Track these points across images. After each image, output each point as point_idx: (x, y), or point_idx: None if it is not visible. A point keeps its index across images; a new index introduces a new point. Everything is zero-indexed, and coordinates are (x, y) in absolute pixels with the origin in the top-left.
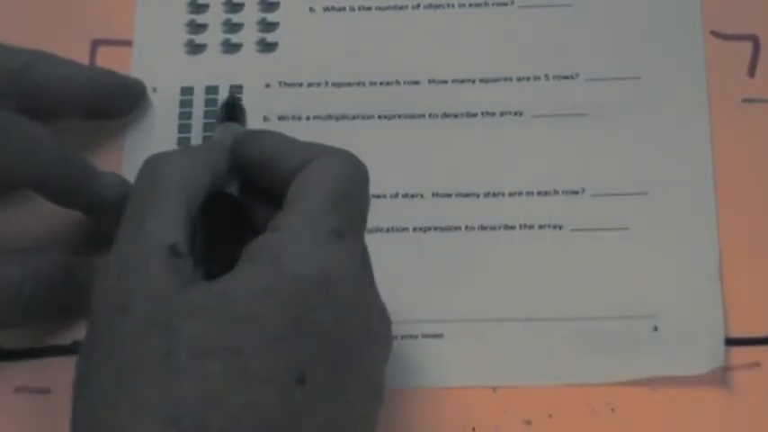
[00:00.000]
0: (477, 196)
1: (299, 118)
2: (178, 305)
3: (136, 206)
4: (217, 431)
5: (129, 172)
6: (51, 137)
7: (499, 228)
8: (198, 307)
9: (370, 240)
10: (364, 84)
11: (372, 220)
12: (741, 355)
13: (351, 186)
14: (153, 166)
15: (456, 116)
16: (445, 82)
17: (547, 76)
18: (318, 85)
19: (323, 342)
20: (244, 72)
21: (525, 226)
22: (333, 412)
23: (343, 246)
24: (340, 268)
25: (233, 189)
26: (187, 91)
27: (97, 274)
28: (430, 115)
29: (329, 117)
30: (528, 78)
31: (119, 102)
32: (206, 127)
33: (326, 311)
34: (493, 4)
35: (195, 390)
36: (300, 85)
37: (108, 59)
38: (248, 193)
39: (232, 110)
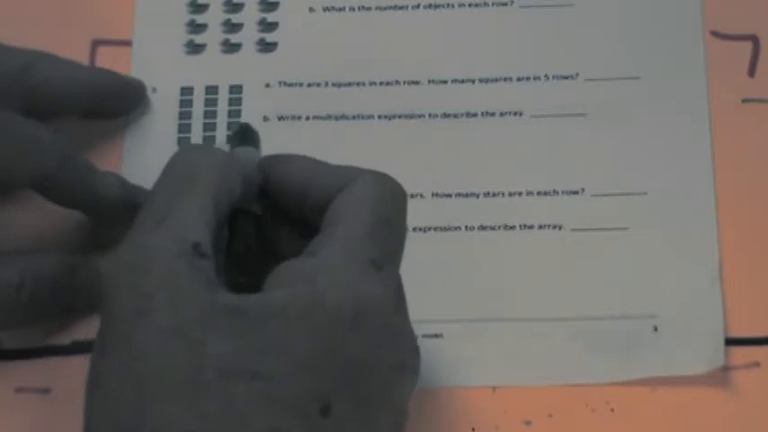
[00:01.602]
0: (477, 196)
1: (299, 118)
2: (207, 317)
3: (162, 194)
4: None
5: (129, 172)
6: (52, 136)
7: (499, 228)
8: (230, 325)
9: None
10: (364, 84)
11: None
12: (741, 355)
13: (390, 213)
14: (188, 158)
15: (456, 116)
16: (445, 82)
17: (547, 76)
18: (318, 85)
19: (352, 374)
20: (244, 72)
21: (525, 226)
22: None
23: (380, 277)
24: (376, 300)
25: (256, 209)
26: (187, 91)
27: (106, 261)
28: (430, 115)
29: (329, 117)
30: (528, 78)
31: (119, 102)
32: (206, 127)
33: (358, 343)
34: (493, 4)
35: (221, 410)
36: (300, 85)
37: (108, 59)
38: (272, 216)
39: (245, 134)
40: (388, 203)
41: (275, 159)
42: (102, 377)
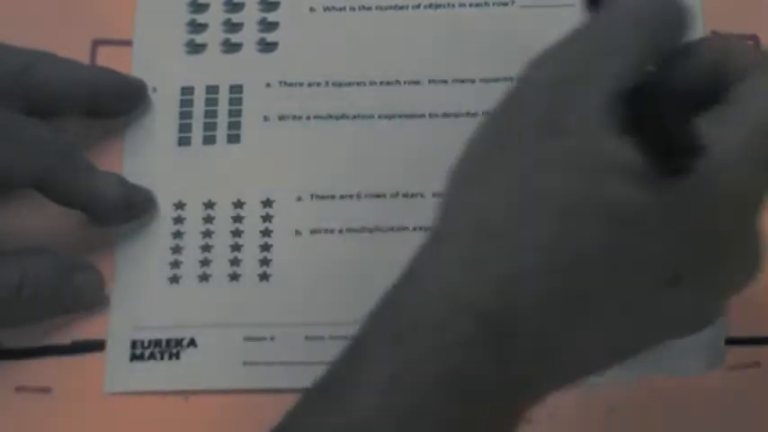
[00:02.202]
0: None
1: (299, 118)
2: (602, 158)
3: (581, 36)
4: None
5: (129, 172)
6: (52, 136)
7: None
8: (619, 165)
9: (371, 240)
10: (364, 84)
11: (372, 219)
12: (741, 354)
13: None
14: (608, 13)
15: (456, 116)
16: (445, 82)
17: None
18: (318, 85)
19: (703, 249)
20: (244, 72)
21: None
22: (697, 300)
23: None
24: (754, 192)
25: None
26: (187, 91)
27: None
28: (430, 115)
29: (329, 117)
30: None
31: (119, 101)
32: (206, 127)
33: (721, 223)
34: (493, 4)
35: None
36: (300, 84)
37: (108, 59)
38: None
39: None
40: None
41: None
42: (483, 169)
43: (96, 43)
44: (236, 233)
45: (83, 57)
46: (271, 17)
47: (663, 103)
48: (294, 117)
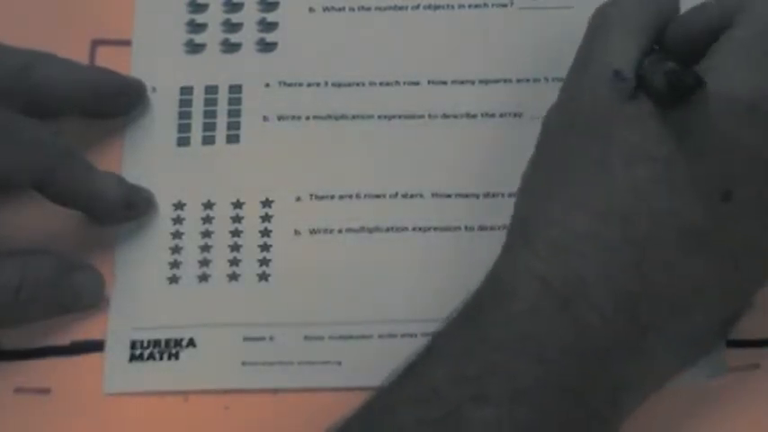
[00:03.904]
0: (477, 197)
1: (299, 118)
2: (616, 117)
3: (584, 43)
4: (641, 229)
5: (129, 172)
6: (52, 136)
7: (499, 228)
8: (632, 117)
9: (370, 240)
10: (364, 84)
11: (372, 219)
12: (741, 356)
13: None
14: (602, 9)
15: (456, 117)
16: (445, 83)
17: (546, 78)
18: (318, 85)
19: (750, 162)
20: (243, 72)
21: None
22: (754, 230)
23: None
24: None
25: None
26: (187, 91)
27: (551, 108)
28: (430, 115)
29: (329, 117)
30: (528, 80)
31: (118, 101)
32: (205, 127)
33: (755, 134)
34: (493, 5)
35: (624, 191)
36: (300, 85)
37: (108, 59)
38: None
39: None
40: None
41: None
42: (531, 180)
43: (95, 43)
44: (236, 233)
45: (82, 57)
46: (270, 17)
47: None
48: (293, 117)
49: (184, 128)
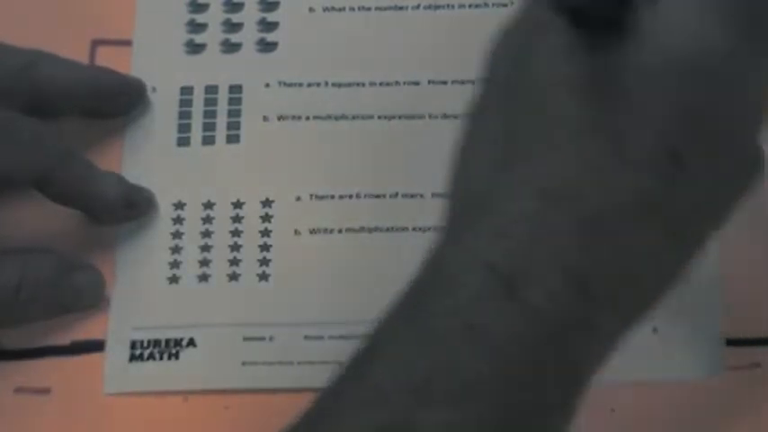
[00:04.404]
0: None
1: (299, 118)
2: (558, 83)
3: None
4: (592, 205)
5: (129, 171)
6: (52, 136)
7: None
8: (577, 85)
9: (370, 240)
10: (364, 84)
11: (372, 219)
12: (741, 355)
13: None
14: None
15: (456, 117)
16: (445, 82)
17: None
18: (318, 85)
19: (697, 123)
20: (243, 72)
21: None
22: (706, 190)
23: (724, 20)
24: (718, 48)
25: None
26: (187, 91)
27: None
28: (430, 115)
29: (329, 117)
30: None
31: (119, 101)
32: (205, 127)
33: (703, 91)
34: (493, 5)
35: (572, 166)
36: (300, 85)
37: (108, 59)
38: None
39: None
40: None
41: None
42: (472, 154)
43: (96, 43)
44: (236, 233)
45: (82, 57)
46: (270, 17)
47: None
48: (293, 117)
49: (184, 128)
